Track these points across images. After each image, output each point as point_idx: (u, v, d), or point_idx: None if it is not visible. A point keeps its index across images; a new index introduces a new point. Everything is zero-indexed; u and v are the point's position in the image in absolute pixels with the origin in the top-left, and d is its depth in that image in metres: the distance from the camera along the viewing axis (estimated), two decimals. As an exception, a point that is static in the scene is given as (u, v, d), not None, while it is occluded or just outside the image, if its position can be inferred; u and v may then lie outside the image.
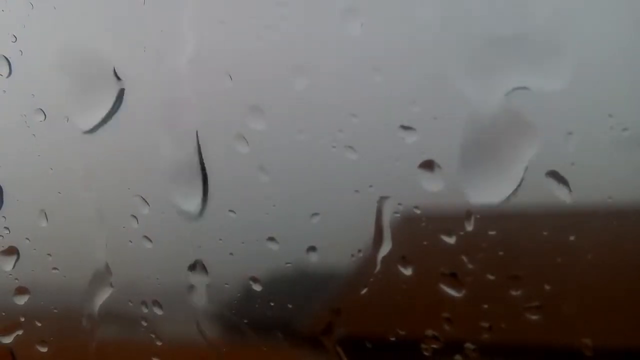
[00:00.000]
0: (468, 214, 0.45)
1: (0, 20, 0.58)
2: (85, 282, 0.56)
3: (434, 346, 0.46)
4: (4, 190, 0.59)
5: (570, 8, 0.43)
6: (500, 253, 0.45)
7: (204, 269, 0.53)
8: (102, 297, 0.55)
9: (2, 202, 0.59)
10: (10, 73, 0.58)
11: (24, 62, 0.58)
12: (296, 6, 0.50)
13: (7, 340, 0.58)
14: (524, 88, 0.44)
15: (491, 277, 0.45)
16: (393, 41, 0.47)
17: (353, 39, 0.48)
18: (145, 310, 0.54)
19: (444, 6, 0.46)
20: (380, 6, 0.47)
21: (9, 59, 0.58)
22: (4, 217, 0.59)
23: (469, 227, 0.45)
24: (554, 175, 0.43)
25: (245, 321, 0.52)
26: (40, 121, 0.58)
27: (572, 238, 0.43)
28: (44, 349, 0.57)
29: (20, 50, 0.58)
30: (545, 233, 0.44)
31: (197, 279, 0.53)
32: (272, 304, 0.51)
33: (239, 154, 0.51)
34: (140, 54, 0.54)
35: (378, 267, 0.48)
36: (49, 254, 0.57)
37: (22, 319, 0.58)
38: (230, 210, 0.52)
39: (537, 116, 0.44)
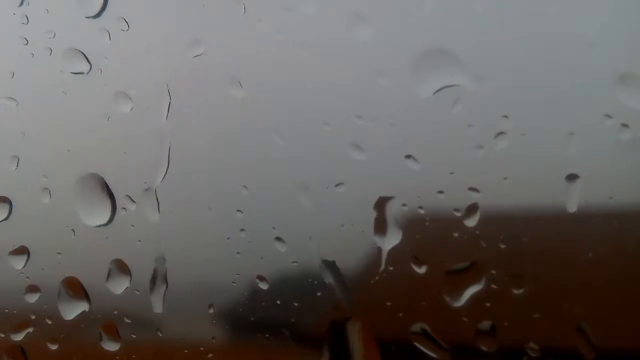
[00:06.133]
0: (471, 214, 0.46)
1: (10, 23, 0.59)
2: (95, 281, 0.56)
3: (439, 344, 0.47)
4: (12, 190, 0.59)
5: (571, 8, 0.43)
6: (503, 252, 0.45)
7: (211, 267, 0.53)
8: (112, 295, 0.56)
9: (11, 202, 0.59)
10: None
11: (32, 64, 0.58)
12: (303, 10, 0.50)
13: (18, 337, 0.58)
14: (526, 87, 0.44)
15: (493, 276, 0.45)
16: (397, 45, 0.48)
17: (358, 42, 0.48)
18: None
19: (450, 9, 0.46)
20: (387, 11, 0.48)
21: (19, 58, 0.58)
22: (14, 216, 0.59)
23: (472, 227, 0.46)
24: (555, 175, 0.43)
25: (252, 319, 0.52)
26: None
27: (572, 238, 0.43)
28: (54, 347, 0.57)
29: (32, 53, 0.58)
30: (546, 232, 0.44)
31: (203, 277, 0.54)
32: (278, 303, 0.51)
33: (245, 155, 0.52)
34: (142, 57, 0.55)
35: (382, 266, 0.48)
36: (59, 253, 0.58)
37: (33, 317, 0.58)
38: (238, 210, 0.52)
39: (538, 116, 0.44)
